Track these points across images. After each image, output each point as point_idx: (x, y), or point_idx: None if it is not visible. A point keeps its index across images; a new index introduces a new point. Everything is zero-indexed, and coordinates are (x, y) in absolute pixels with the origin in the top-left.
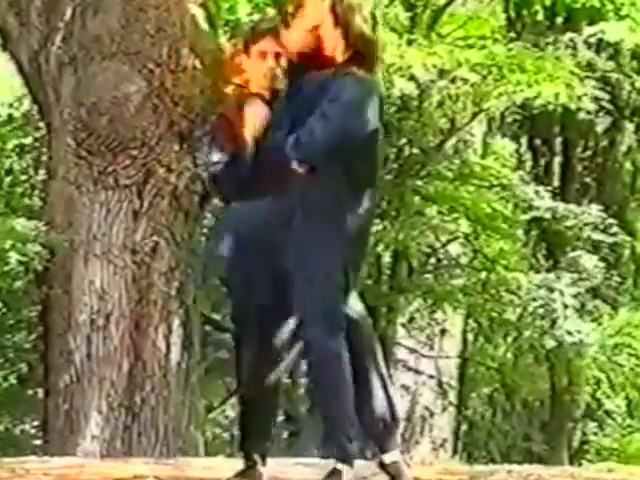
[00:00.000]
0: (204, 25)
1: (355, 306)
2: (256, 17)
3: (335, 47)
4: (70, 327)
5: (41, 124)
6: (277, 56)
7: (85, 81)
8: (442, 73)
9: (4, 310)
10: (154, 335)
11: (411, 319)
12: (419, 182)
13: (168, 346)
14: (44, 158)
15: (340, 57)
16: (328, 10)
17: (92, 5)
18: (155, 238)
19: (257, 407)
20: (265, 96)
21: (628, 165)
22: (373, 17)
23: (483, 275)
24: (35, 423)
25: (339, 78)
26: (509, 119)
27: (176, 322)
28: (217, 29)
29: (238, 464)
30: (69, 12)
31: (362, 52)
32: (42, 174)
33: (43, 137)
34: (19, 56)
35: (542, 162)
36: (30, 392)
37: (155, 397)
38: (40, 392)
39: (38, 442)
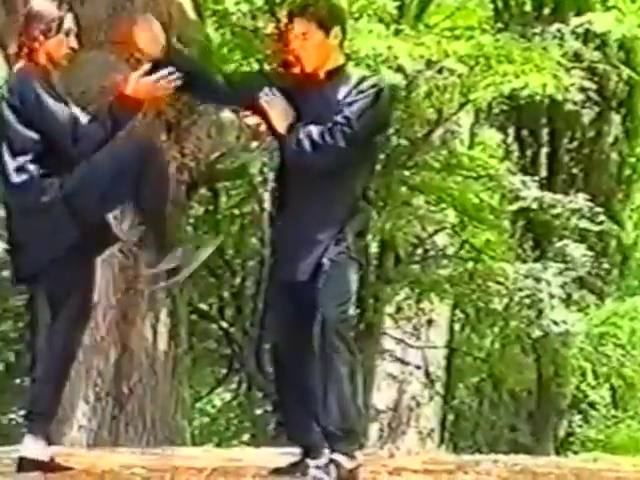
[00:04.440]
0: (192, 14)
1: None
2: (243, 7)
3: None
4: None
5: None
6: None
7: (72, 70)
8: (429, 64)
9: None
10: (141, 325)
11: (398, 309)
12: (406, 172)
13: (155, 336)
14: None
15: None
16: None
17: None
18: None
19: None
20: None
21: (614, 155)
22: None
23: (470, 265)
24: (22, 412)
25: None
26: (496, 110)
27: (163, 312)
28: (204, 19)
29: (225, 453)
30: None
31: None
32: None
33: None
34: (5, 44)
35: (529, 153)
36: (17, 381)
37: (142, 387)
38: (27, 381)
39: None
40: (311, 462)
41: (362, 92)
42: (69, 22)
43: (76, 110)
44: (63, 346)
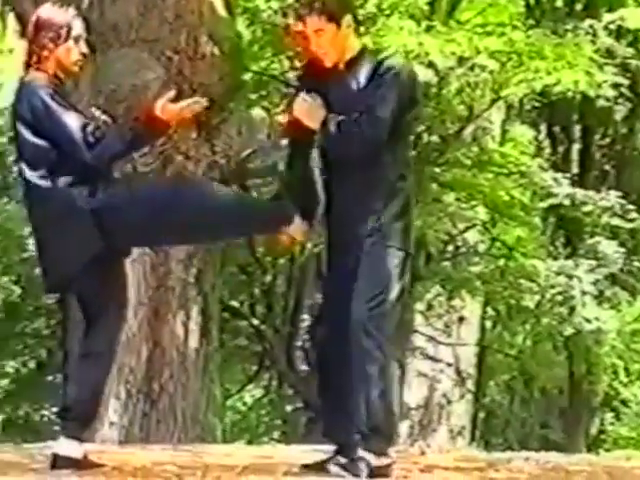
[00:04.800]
0: (222, 12)
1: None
2: (274, 4)
3: None
4: None
5: None
6: None
7: (104, 69)
8: (461, 60)
9: (23, 297)
10: (172, 322)
11: (429, 307)
12: (437, 169)
13: (186, 333)
14: None
15: None
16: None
17: None
18: None
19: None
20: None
21: None
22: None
23: (501, 262)
24: (54, 409)
25: None
26: (528, 106)
27: (194, 309)
28: (235, 16)
29: (256, 450)
30: (87, 0)
31: None
32: None
33: None
34: None
35: (561, 149)
36: (49, 378)
37: (173, 384)
38: (59, 378)
39: (57, 428)
40: (340, 459)
41: (380, 76)
42: (78, 28)
43: (95, 113)
44: (102, 351)
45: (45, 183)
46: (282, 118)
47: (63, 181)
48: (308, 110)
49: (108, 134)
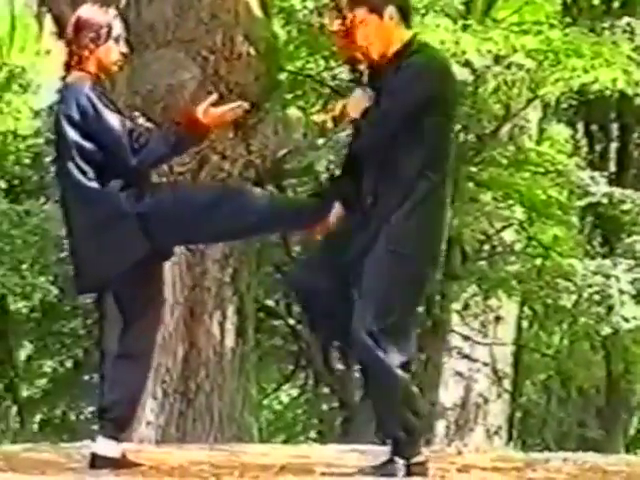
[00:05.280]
0: (258, 12)
1: None
2: (309, 4)
3: None
4: None
5: None
6: None
7: (140, 69)
8: (497, 59)
9: (60, 297)
10: (208, 322)
11: (465, 306)
12: (473, 168)
13: (222, 333)
14: None
15: None
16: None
17: None
18: None
19: None
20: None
21: None
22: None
23: (538, 262)
24: (91, 408)
25: None
26: (565, 105)
27: (230, 309)
28: (271, 16)
29: (293, 450)
30: (124, 0)
31: None
32: None
33: None
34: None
35: (598, 148)
36: (86, 377)
37: (210, 383)
38: (96, 377)
39: (94, 427)
40: (399, 461)
41: (400, 70)
42: (118, 28)
43: (139, 119)
44: (140, 353)
45: (92, 185)
46: (318, 118)
47: (112, 185)
48: (354, 102)
49: (152, 139)
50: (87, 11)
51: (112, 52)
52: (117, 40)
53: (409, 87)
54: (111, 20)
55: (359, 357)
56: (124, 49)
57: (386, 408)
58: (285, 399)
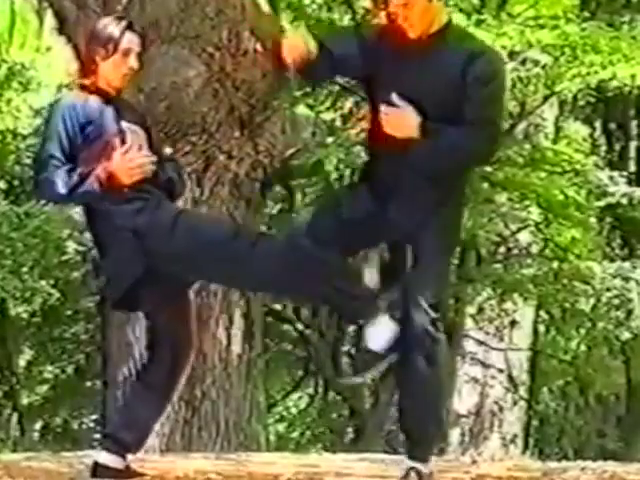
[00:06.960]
0: (265, 7)
1: None
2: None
3: None
4: (129, 318)
5: None
6: None
7: (144, 66)
8: (512, 54)
9: (62, 301)
10: (214, 327)
11: (480, 310)
12: (488, 168)
13: (229, 338)
14: None
15: None
16: None
17: None
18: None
19: None
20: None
21: None
22: None
23: (555, 264)
24: (93, 417)
25: None
26: (582, 102)
27: (237, 313)
28: (279, 12)
29: (302, 459)
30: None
31: None
32: None
33: None
34: (76, 41)
35: (617, 147)
36: (88, 384)
37: (216, 390)
38: (98, 384)
39: (96, 436)
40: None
41: (475, 66)
42: (128, 42)
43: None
44: (160, 386)
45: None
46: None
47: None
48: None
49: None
50: (98, 24)
51: (118, 67)
52: (126, 54)
53: (496, 76)
54: (119, 34)
55: (418, 343)
56: (134, 63)
57: (435, 400)
58: (294, 407)
